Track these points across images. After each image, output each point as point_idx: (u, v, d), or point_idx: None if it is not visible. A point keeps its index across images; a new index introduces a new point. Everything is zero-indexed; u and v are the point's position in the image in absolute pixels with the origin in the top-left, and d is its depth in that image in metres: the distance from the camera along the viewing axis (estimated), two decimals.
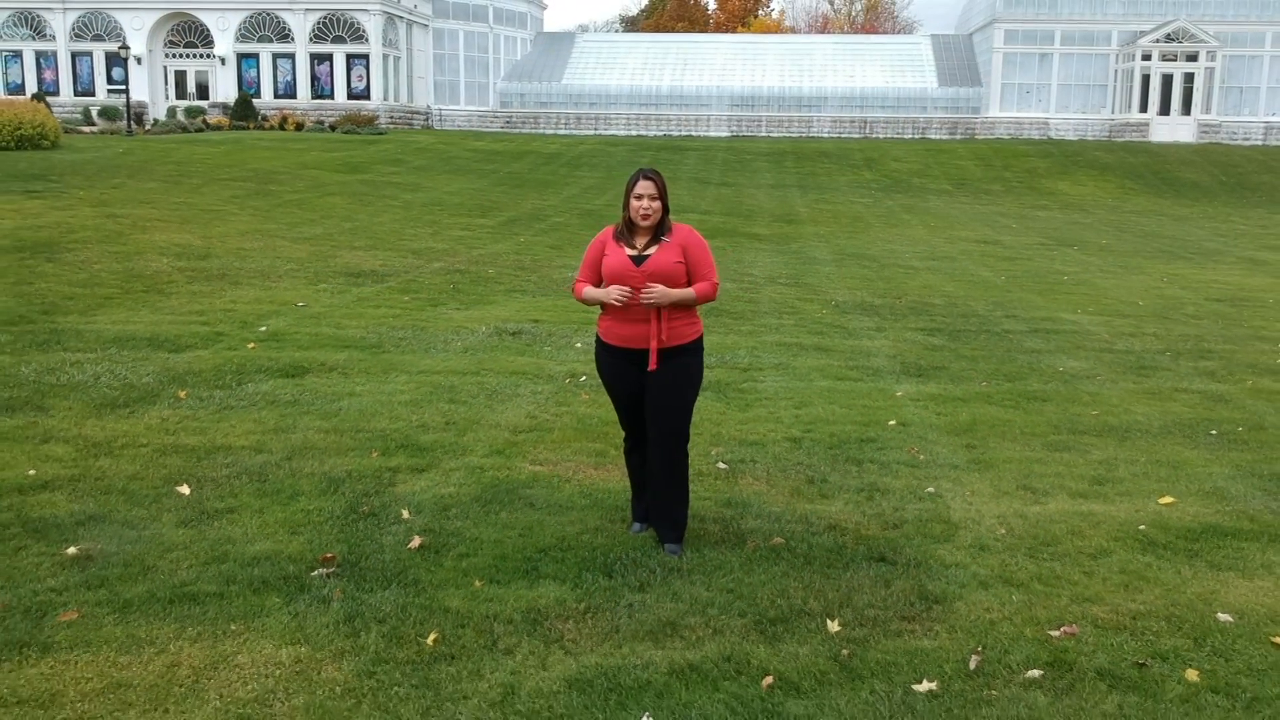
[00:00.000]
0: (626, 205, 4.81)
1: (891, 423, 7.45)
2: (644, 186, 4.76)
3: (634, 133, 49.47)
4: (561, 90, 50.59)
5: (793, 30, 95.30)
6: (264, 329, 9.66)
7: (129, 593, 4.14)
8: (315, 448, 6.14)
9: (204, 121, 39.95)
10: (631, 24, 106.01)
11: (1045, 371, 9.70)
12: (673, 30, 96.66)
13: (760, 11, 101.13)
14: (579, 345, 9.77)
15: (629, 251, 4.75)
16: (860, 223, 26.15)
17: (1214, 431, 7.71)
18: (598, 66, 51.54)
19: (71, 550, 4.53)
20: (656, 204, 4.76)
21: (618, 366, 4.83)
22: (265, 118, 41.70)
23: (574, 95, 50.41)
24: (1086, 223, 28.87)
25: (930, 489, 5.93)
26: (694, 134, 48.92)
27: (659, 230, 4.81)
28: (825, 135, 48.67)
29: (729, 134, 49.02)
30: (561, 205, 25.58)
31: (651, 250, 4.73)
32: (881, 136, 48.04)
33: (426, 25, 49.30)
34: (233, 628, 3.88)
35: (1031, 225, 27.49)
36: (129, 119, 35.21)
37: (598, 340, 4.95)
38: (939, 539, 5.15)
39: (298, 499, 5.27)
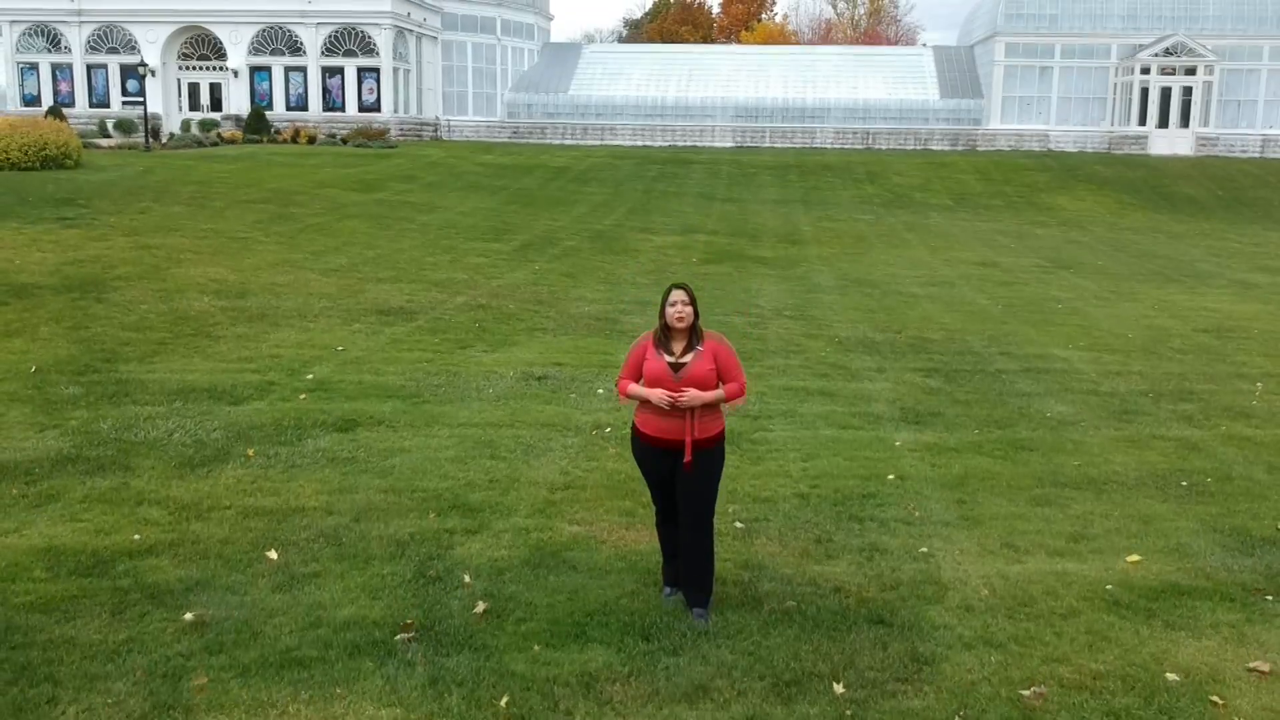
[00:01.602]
0: (663, 313, 5.57)
1: (890, 476, 8.22)
2: (677, 295, 5.54)
3: (639, 143, 50.26)
4: (568, 101, 51.38)
5: (796, 34, 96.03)
6: (310, 376, 10.44)
7: (245, 658, 4.91)
8: (378, 508, 6.92)
9: (218, 135, 40.76)
10: (635, 27, 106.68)
11: (1034, 417, 10.45)
12: (676, 33, 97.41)
13: (764, 16, 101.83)
14: (600, 392, 10.54)
15: (668, 359, 5.51)
16: (863, 243, 26.90)
17: (1184, 483, 8.47)
18: (603, 77, 52.32)
19: (188, 616, 5.30)
20: (689, 309, 5.54)
21: (652, 456, 5.60)
22: (278, 131, 42.51)
23: (580, 106, 51.21)
24: (1084, 241, 29.61)
25: (924, 548, 6.70)
26: (699, 145, 49.69)
27: (693, 335, 5.57)
28: (828, 146, 49.43)
29: (733, 145, 49.78)
30: (572, 226, 26.35)
31: (687, 358, 5.50)
32: (884, 148, 48.80)
33: (436, 38, 50.09)
34: (337, 691, 4.65)
35: (1030, 245, 28.24)
36: (146, 134, 36.01)
37: (634, 430, 5.71)
38: (931, 600, 5.92)
39: (371, 563, 6.04)
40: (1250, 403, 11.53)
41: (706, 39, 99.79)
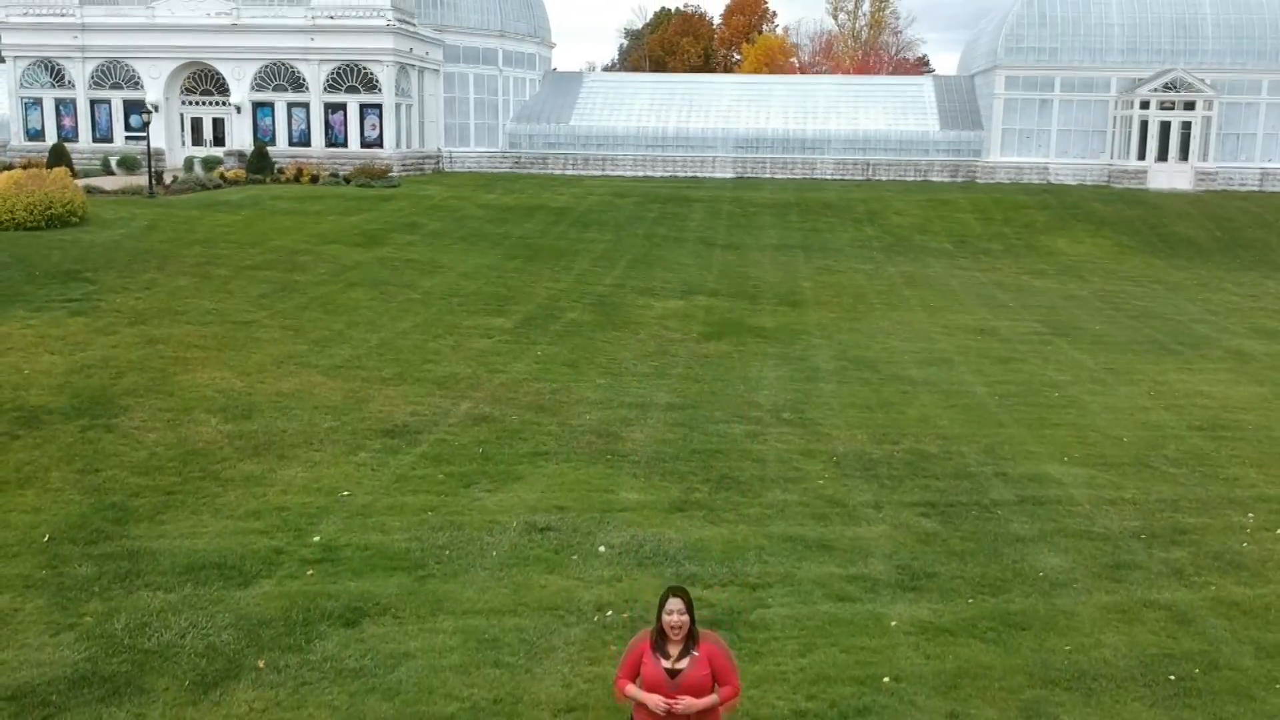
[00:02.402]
0: (659, 619, 5.78)
1: (886, 679, 8.43)
2: (674, 604, 5.76)
3: (640, 173, 50.45)
4: (569, 132, 51.59)
5: (797, 48, 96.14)
6: (316, 539, 10.66)
7: None
8: None
9: (221, 176, 40.97)
10: (636, 38, 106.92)
11: (1027, 576, 10.66)
12: (677, 44, 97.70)
13: (764, 28, 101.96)
14: (602, 550, 10.75)
15: (664, 664, 5.72)
16: (863, 303, 27.10)
17: (1172, 676, 8.69)
18: (604, 107, 52.51)
19: None
20: (685, 618, 5.76)
21: None
22: (281, 170, 42.71)
23: (581, 136, 51.42)
24: (1082, 296, 29.81)
25: None
26: (699, 175, 49.88)
27: (689, 640, 5.78)
28: (828, 177, 49.61)
29: (734, 175, 49.97)
30: (573, 289, 26.55)
31: (683, 663, 5.71)
32: (884, 179, 48.99)
33: (438, 70, 50.28)
34: None
35: (1028, 301, 28.44)
36: (150, 178, 36.20)
37: None
38: None
39: None
40: (1241, 545, 11.73)
41: (707, 50, 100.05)
